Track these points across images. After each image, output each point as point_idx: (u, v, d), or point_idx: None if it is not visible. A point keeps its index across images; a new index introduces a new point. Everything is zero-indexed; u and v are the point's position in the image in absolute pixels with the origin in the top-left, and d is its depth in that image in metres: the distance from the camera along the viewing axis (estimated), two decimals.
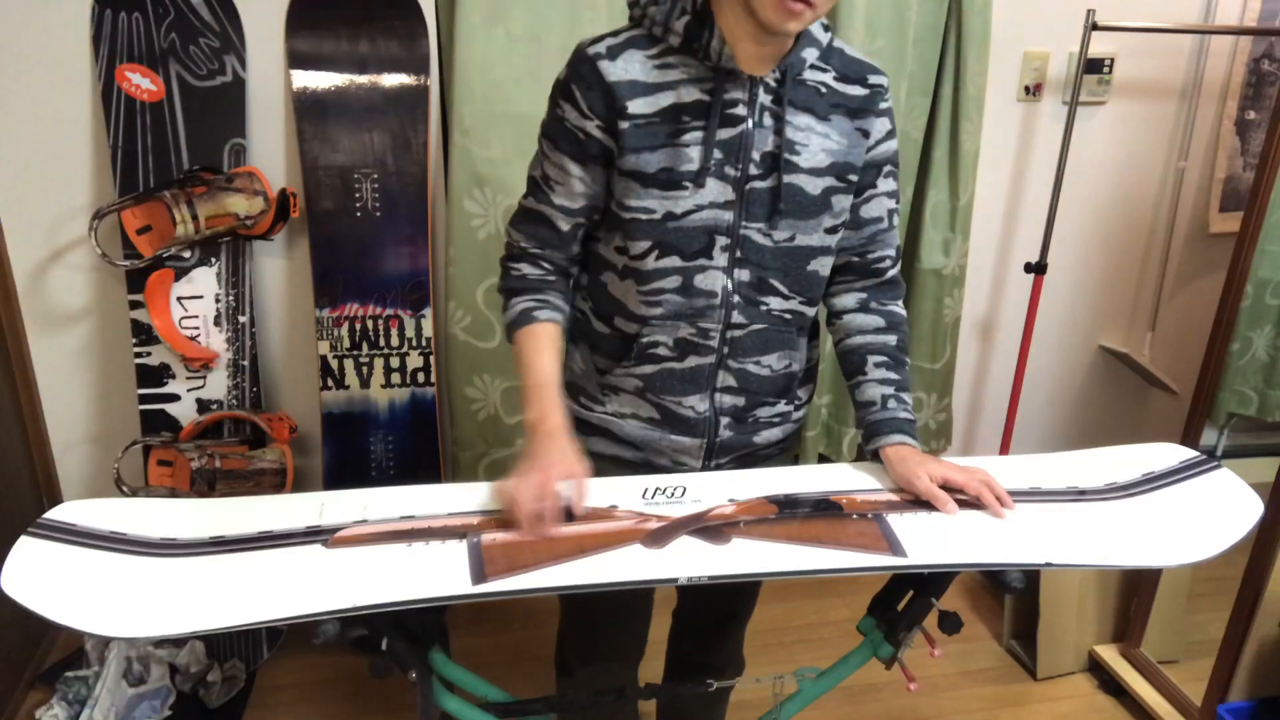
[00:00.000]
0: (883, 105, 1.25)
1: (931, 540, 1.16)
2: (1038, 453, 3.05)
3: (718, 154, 1.16)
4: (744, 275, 1.22)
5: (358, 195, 2.13)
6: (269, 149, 2.13)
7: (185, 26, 1.99)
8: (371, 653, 1.19)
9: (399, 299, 2.16)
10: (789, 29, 1.08)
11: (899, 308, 1.36)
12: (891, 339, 1.34)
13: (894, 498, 1.26)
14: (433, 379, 2.22)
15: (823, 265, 1.28)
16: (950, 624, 1.24)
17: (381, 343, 2.18)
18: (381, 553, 1.13)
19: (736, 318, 1.24)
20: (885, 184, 1.29)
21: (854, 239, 1.31)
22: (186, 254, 2.08)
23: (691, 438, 1.31)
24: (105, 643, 2.15)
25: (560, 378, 1.26)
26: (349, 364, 2.18)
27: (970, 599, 2.57)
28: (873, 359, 1.32)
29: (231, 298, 2.12)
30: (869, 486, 1.29)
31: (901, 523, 1.19)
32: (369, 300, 2.16)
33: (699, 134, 1.16)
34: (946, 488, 1.23)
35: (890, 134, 1.26)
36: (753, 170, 1.18)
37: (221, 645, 2.23)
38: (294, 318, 2.28)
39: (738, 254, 1.21)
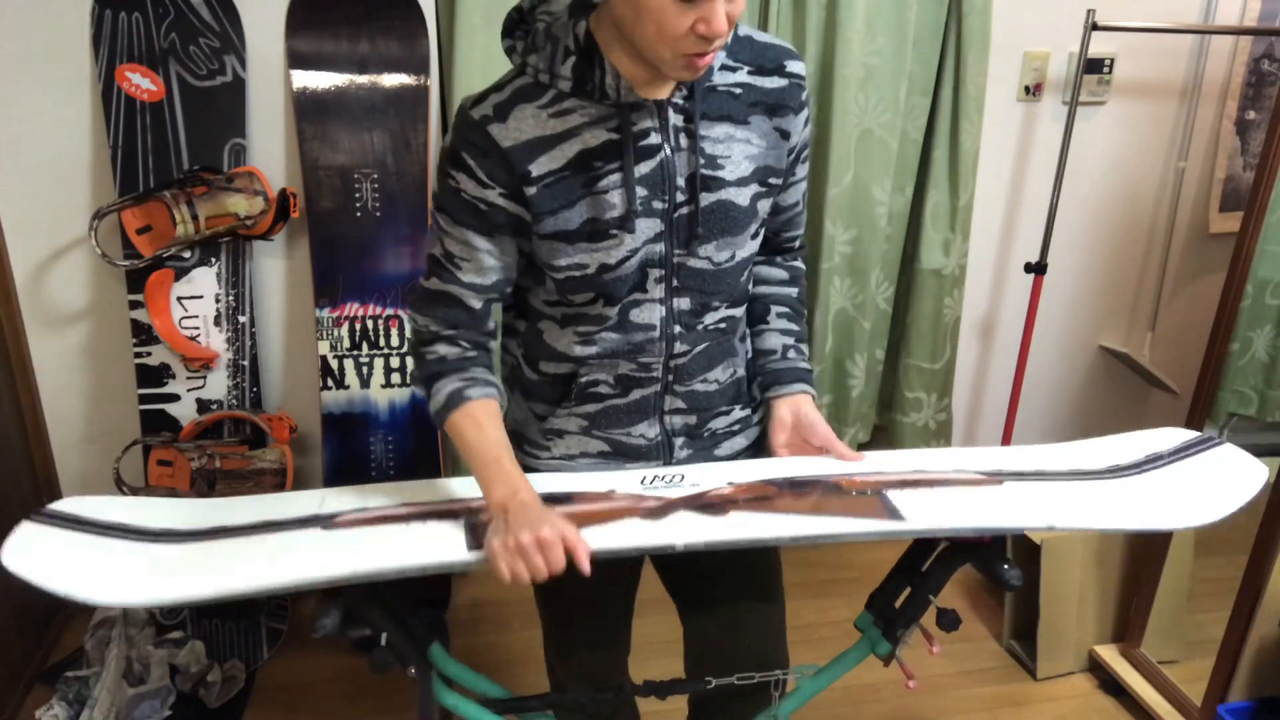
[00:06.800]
0: (802, 98, 1.18)
1: (932, 510, 1.16)
2: None
3: (642, 191, 1.09)
4: (684, 303, 1.18)
5: (358, 195, 2.13)
6: (269, 149, 2.13)
7: (185, 26, 2.00)
8: (372, 649, 1.19)
9: (399, 299, 2.17)
10: (699, 75, 1.03)
11: (800, 263, 1.36)
12: (793, 291, 1.33)
13: (895, 477, 1.25)
14: None
15: (750, 270, 1.25)
16: (948, 621, 1.24)
17: (381, 343, 2.18)
18: (380, 531, 1.13)
19: (679, 347, 1.20)
20: (801, 170, 1.25)
21: (772, 224, 1.29)
22: (186, 254, 2.08)
23: (649, 462, 1.28)
24: (105, 642, 2.15)
25: (510, 449, 1.16)
26: (349, 364, 2.18)
27: (970, 599, 2.57)
28: (775, 309, 1.31)
29: (231, 298, 2.13)
30: (869, 470, 1.28)
31: (902, 497, 1.18)
32: (369, 300, 2.16)
33: (617, 176, 1.08)
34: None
35: (807, 122, 1.21)
36: (679, 197, 1.12)
37: (221, 645, 2.23)
38: (294, 318, 2.28)
39: (674, 283, 1.16)
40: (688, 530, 1.10)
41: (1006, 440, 2.62)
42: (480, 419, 1.15)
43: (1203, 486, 1.23)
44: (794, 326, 1.32)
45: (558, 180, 1.09)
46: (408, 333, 1.24)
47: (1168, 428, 1.42)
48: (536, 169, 1.08)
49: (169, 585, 1.03)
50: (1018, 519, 1.13)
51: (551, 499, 1.16)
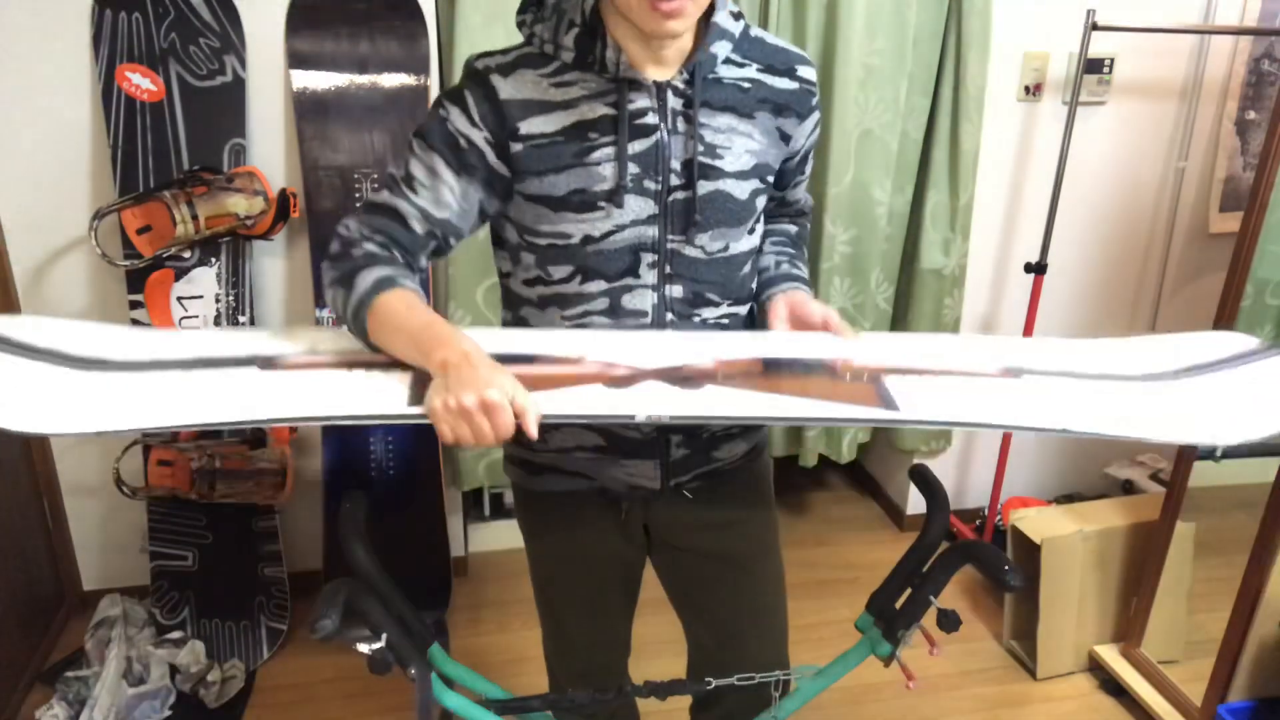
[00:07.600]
0: (812, 104, 1.19)
1: (931, 401, 1.04)
2: (1038, 452, 3.04)
3: (634, 168, 1.10)
4: (676, 291, 1.16)
5: (358, 195, 2.13)
6: (269, 149, 2.13)
7: (185, 26, 2.00)
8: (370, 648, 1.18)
9: None
10: (670, 29, 1.02)
11: (805, 217, 1.40)
12: (792, 228, 1.36)
13: (898, 364, 1.13)
14: None
15: (751, 266, 1.23)
16: (949, 622, 1.24)
17: None
18: (319, 377, 1.05)
19: None
20: (807, 168, 1.30)
21: (776, 212, 1.34)
22: (186, 254, 2.08)
23: (644, 459, 1.25)
24: (105, 642, 2.15)
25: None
26: None
27: (970, 599, 2.57)
28: (772, 237, 1.33)
29: (231, 298, 2.13)
30: (872, 354, 1.15)
31: (901, 385, 1.07)
32: None
33: (610, 150, 1.09)
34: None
35: (816, 126, 1.23)
36: (674, 181, 1.12)
37: (221, 645, 2.23)
38: (294, 318, 2.28)
39: (667, 270, 1.15)
40: (654, 402, 1.00)
41: (1006, 441, 2.62)
42: (411, 301, 1.08)
43: (1252, 398, 1.07)
44: (789, 249, 1.33)
45: (549, 144, 1.10)
46: (334, 243, 1.13)
47: (1219, 331, 1.26)
48: (527, 127, 1.09)
49: (88, 416, 0.94)
50: (1027, 418, 1.00)
51: (512, 359, 1.06)
